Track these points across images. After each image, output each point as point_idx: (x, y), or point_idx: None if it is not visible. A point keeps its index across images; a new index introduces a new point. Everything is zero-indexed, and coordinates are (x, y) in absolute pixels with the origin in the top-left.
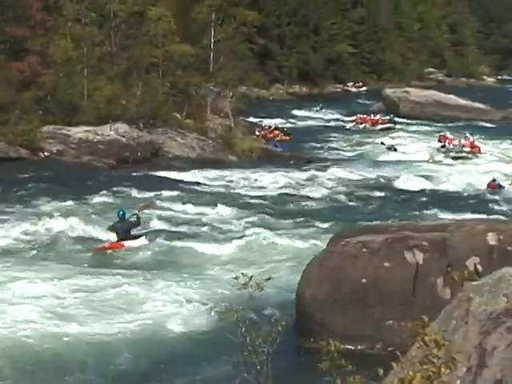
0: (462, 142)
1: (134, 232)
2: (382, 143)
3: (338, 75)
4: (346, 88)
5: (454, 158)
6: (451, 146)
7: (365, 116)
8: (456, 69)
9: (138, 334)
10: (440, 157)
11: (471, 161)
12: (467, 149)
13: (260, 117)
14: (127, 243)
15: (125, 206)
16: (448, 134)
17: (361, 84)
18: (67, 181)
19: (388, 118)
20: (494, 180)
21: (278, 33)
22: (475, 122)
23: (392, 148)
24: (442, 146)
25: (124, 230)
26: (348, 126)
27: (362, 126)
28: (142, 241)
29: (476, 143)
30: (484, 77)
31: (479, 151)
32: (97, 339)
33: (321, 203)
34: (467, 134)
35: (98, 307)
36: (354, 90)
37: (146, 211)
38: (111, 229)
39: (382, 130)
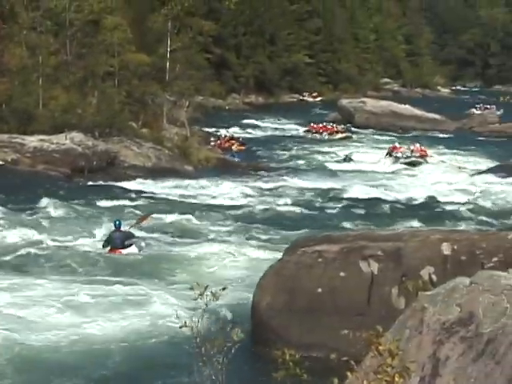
0: (411, 147)
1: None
2: (346, 157)
3: (294, 85)
4: (302, 98)
5: (406, 164)
6: (399, 154)
7: (318, 125)
8: (411, 79)
9: (86, 346)
10: (389, 164)
11: (422, 168)
12: (416, 154)
13: (216, 126)
14: (124, 251)
15: (79, 215)
16: (397, 145)
17: (316, 94)
18: (21, 190)
19: (343, 127)
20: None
21: (234, 43)
22: (430, 133)
23: (347, 158)
24: (389, 154)
25: (121, 240)
26: (301, 135)
27: (320, 136)
28: (133, 249)
29: (423, 148)
30: (439, 87)
31: (426, 154)
32: (45, 350)
33: (277, 213)
34: (417, 144)
35: (46, 318)
36: (310, 99)
37: (144, 223)
38: (107, 239)
39: (342, 139)
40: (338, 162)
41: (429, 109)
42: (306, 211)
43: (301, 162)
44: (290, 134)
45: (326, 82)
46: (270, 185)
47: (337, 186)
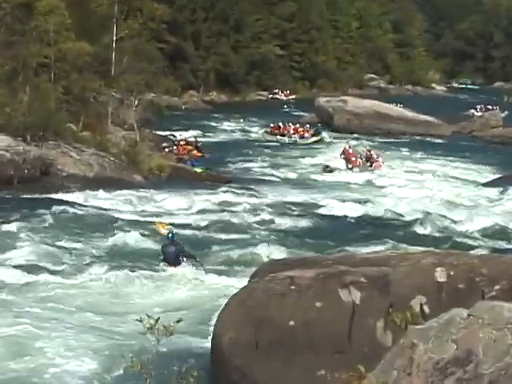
0: (368, 153)
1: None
2: (326, 168)
3: (263, 81)
4: (272, 96)
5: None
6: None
7: (285, 125)
8: (401, 75)
9: None
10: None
11: (410, 179)
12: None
13: (171, 129)
14: (181, 269)
15: (5, 234)
16: (348, 148)
17: (290, 92)
18: None
19: (315, 128)
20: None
21: (192, 30)
22: (422, 138)
23: (327, 169)
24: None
25: (175, 254)
26: (263, 137)
27: (289, 139)
28: (186, 266)
29: (375, 156)
30: (433, 84)
31: (379, 166)
32: None
33: (241, 231)
34: (367, 147)
35: None
36: (282, 98)
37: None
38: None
39: (314, 142)
40: (313, 171)
41: (421, 110)
42: (276, 230)
43: (270, 171)
44: (257, 139)
45: (301, 78)
46: (235, 199)
47: (312, 200)
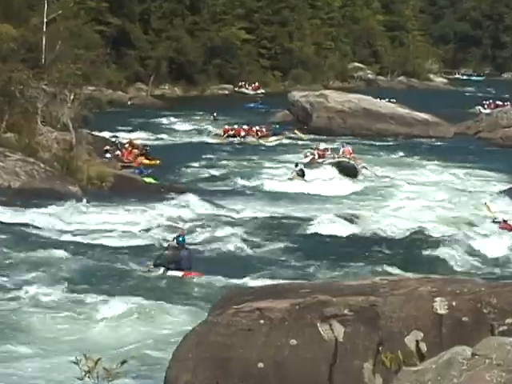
0: (341, 150)
1: None
2: (298, 172)
3: (225, 72)
4: (237, 90)
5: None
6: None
7: (235, 126)
8: (393, 64)
9: None
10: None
11: (394, 186)
12: (345, 159)
13: (114, 130)
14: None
15: None
16: (320, 146)
17: (258, 85)
18: None
19: (276, 127)
20: (505, 221)
21: (139, 10)
22: (419, 140)
23: (300, 173)
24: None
25: (190, 259)
26: (213, 140)
27: (250, 140)
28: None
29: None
30: (431, 76)
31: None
32: None
33: (200, 253)
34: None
35: None
36: (248, 92)
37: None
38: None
39: (276, 143)
40: (282, 178)
41: (417, 106)
42: (241, 252)
43: (232, 178)
44: (217, 141)
45: (272, 68)
46: (191, 213)
47: (283, 213)
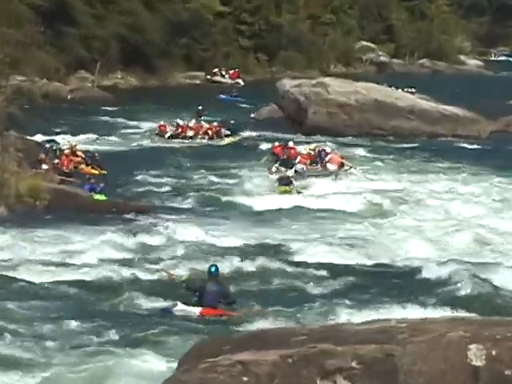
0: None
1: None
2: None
3: (195, 55)
4: (210, 78)
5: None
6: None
7: (180, 123)
8: (412, 43)
9: None
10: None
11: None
12: (333, 166)
13: (52, 132)
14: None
15: None
16: (291, 143)
17: (237, 71)
18: None
19: (226, 125)
20: None
21: None
22: (447, 140)
23: (291, 187)
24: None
25: (219, 295)
26: (145, 142)
27: (193, 141)
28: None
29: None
30: (462, 57)
31: (341, 164)
32: None
33: (163, 291)
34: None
35: None
36: (225, 81)
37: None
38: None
39: (231, 144)
40: (271, 194)
41: (444, 97)
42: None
43: (203, 192)
44: (185, 144)
45: (255, 49)
46: (153, 239)
47: (271, 240)
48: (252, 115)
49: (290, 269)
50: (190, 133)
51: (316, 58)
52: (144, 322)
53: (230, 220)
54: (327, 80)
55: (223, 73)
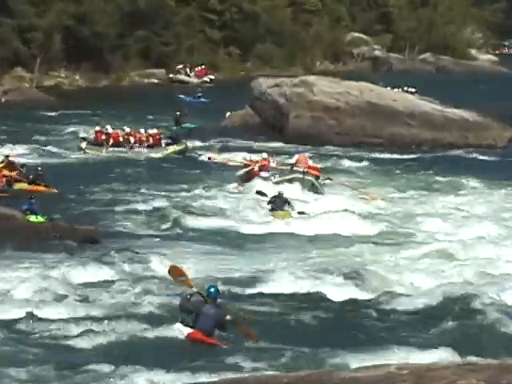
0: (292, 160)
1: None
2: (259, 193)
3: (153, 49)
4: (173, 77)
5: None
6: (268, 174)
7: (109, 130)
8: (412, 35)
9: None
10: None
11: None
12: (300, 168)
13: None
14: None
15: None
16: (264, 155)
17: (205, 68)
18: None
19: (168, 132)
20: None
21: None
22: (455, 151)
23: (289, 210)
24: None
25: (216, 320)
26: (75, 154)
27: (131, 152)
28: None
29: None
30: (473, 51)
31: (317, 172)
32: None
33: (120, 344)
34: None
35: None
36: (191, 80)
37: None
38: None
39: (176, 153)
40: (255, 215)
41: (452, 99)
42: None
43: (165, 213)
44: (128, 155)
45: (226, 42)
46: (109, 274)
47: (244, 268)
48: (226, 118)
49: (271, 302)
50: (131, 139)
51: (298, 53)
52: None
53: (194, 245)
54: (312, 79)
55: (188, 70)
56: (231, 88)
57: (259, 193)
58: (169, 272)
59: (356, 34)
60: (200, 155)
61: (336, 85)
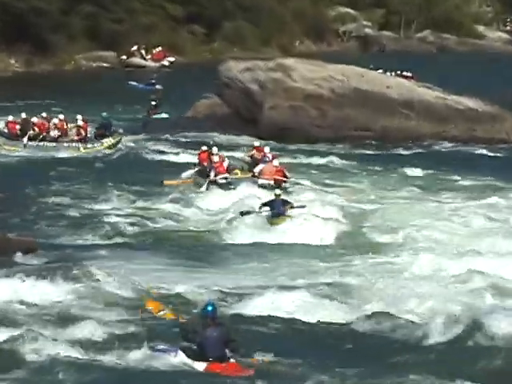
0: (256, 170)
1: None
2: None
3: (102, 29)
4: (125, 60)
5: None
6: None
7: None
8: (409, 9)
9: None
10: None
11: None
12: (265, 181)
13: None
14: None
15: None
16: (204, 148)
17: (163, 51)
18: None
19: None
20: None
21: None
22: (458, 145)
23: (286, 216)
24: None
25: (222, 341)
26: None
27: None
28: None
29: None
30: (480, 29)
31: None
32: None
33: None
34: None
35: None
36: (148, 64)
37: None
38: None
39: (111, 147)
40: (225, 221)
41: (456, 84)
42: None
43: (112, 221)
44: (84, 155)
45: (189, 20)
46: (48, 291)
47: (220, 284)
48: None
49: (251, 327)
50: (54, 132)
51: (274, 31)
52: None
53: (153, 257)
54: (290, 62)
55: (143, 53)
56: (195, 73)
57: (244, 213)
58: (145, 307)
59: (342, 9)
60: (151, 151)
61: (319, 68)
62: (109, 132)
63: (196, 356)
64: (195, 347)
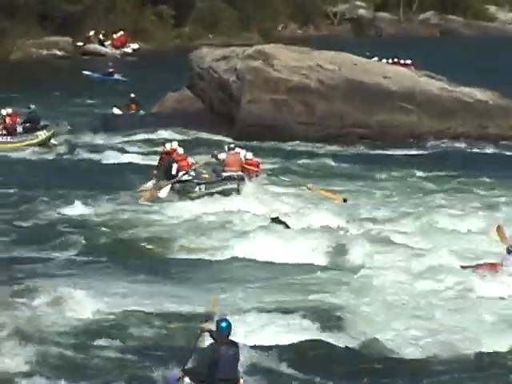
0: (222, 156)
1: None
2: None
3: (54, 11)
4: (81, 47)
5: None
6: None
7: None
8: None
9: None
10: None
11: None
12: (232, 173)
13: None
14: None
15: None
16: (177, 147)
17: (125, 36)
18: None
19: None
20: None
21: None
22: (468, 144)
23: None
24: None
25: (237, 360)
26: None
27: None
28: None
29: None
30: (492, 9)
31: (257, 167)
32: None
33: None
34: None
35: None
36: (105, 50)
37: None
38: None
39: (45, 142)
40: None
41: (463, 74)
42: None
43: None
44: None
45: (155, 2)
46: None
47: (192, 302)
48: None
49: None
50: None
51: (255, 14)
52: None
53: (107, 271)
54: (272, 48)
55: (102, 38)
56: (163, 62)
57: (276, 220)
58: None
59: None
60: (101, 151)
61: (305, 56)
62: (38, 125)
63: (207, 378)
64: (205, 370)
